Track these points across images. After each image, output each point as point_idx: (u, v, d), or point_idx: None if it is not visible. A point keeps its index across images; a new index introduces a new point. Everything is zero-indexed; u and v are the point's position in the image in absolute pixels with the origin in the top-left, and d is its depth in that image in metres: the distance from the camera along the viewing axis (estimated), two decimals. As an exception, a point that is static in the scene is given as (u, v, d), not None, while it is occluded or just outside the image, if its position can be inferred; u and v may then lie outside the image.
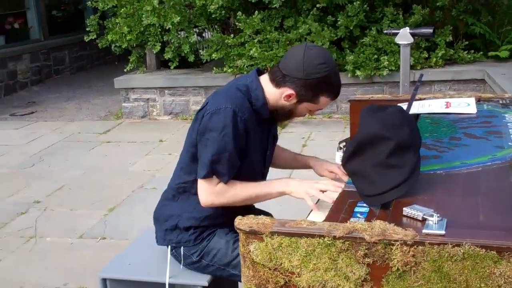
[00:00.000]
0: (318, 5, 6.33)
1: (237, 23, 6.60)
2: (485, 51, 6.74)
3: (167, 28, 6.55)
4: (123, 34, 6.72)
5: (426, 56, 6.39)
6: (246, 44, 6.52)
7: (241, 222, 1.43)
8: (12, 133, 6.54)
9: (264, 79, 2.05)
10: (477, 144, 1.97)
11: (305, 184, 1.95)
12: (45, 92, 8.78)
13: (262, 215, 1.47)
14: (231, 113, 1.92)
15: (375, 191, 1.55)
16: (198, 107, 6.69)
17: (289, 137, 5.85)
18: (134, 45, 6.92)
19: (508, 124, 2.19)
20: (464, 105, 2.48)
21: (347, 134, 5.71)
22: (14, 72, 8.65)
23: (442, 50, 6.37)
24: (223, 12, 6.70)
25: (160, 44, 6.75)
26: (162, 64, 7.32)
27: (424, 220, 1.38)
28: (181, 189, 2.18)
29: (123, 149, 5.77)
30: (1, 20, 9.11)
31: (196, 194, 2.08)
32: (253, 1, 6.42)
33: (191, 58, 6.70)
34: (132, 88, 6.83)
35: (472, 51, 6.61)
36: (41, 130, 6.59)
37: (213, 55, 6.54)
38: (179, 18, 6.45)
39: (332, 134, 5.87)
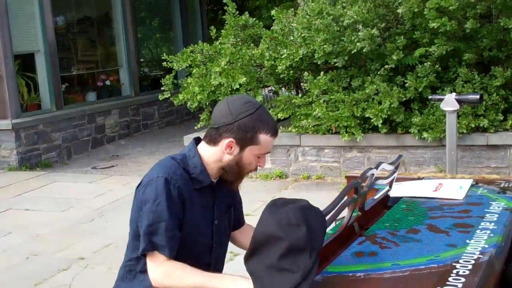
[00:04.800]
0: (386, 66, 6.17)
1: (302, 84, 6.59)
2: None
3: (235, 88, 6.66)
4: (194, 94, 6.90)
5: (502, 118, 6.00)
6: (313, 104, 6.47)
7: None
8: (86, 187, 6.84)
9: (202, 146, 2.05)
10: (431, 239, 1.79)
11: None
12: (130, 146, 9.16)
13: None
14: (162, 181, 1.91)
15: (266, 296, 1.44)
16: (265, 165, 6.70)
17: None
18: (207, 103, 7.08)
19: (487, 215, 1.98)
20: (455, 188, 2.29)
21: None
22: (102, 126, 9.12)
23: (522, 111, 5.97)
24: (291, 72, 6.71)
25: (229, 103, 6.85)
26: (234, 122, 7.40)
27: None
28: (127, 267, 2.14)
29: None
30: (93, 77, 9.72)
31: (141, 272, 2.05)
32: (318, 62, 6.38)
33: (258, 117, 6.74)
34: (201, 146, 6.94)
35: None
36: (113, 185, 6.85)
37: (279, 114, 6.54)
38: (245, 78, 6.54)
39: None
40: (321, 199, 5.69)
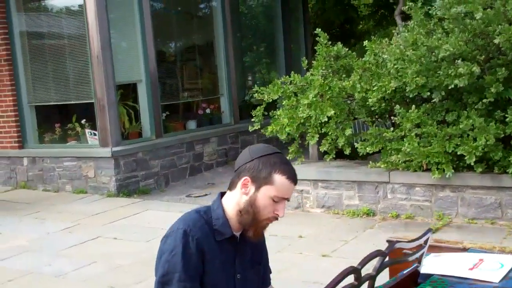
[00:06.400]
0: (484, 100, 5.77)
1: (393, 118, 6.33)
2: None
3: (323, 120, 6.52)
4: (283, 126, 6.85)
5: None
6: (405, 139, 6.19)
7: None
8: (175, 216, 6.84)
9: (225, 196, 2.11)
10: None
11: None
12: (227, 174, 9.23)
13: None
14: (181, 233, 1.98)
15: None
16: (351, 202, 6.52)
17: (434, 245, 5.34)
18: (297, 135, 6.99)
19: None
20: (495, 266, 2.04)
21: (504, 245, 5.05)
22: (200, 154, 9.28)
23: None
24: (383, 104, 6.48)
25: (318, 135, 6.73)
26: (325, 154, 7.25)
27: None
28: None
29: (261, 242, 5.77)
30: (194, 105, 9.96)
31: None
32: (411, 95, 6.10)
33: (347, 151, 6.56)
34: (288, 179, 6.86)
35: None
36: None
37: (367, 148, 6.31)
38: (333, 111, 6.40)
39: (486, 246, 5.20)
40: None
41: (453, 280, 2.00)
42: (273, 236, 5.81)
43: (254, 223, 2.03)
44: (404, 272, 2.06)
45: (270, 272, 2.36)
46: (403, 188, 6.22)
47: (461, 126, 5.79)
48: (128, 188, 8.07)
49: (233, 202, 2.06)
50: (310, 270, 4.98)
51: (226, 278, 2.07)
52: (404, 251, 1.95)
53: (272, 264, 5.16)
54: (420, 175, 6.09)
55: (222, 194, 2.14)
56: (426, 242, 2.00)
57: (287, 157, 7.03)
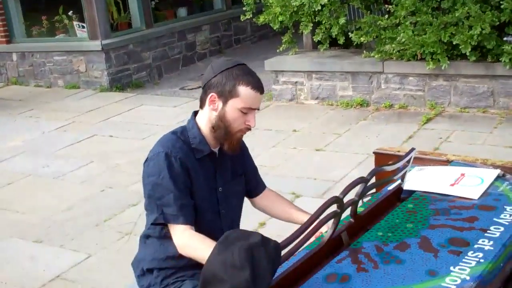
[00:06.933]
0: (480, -16, 5.61)
1: (387, 6, 6.16)
2: None
3: (316, 9, 6.36)
4: (275, 15, 6.69)
5: None
6: (399, 27, 6.07)
7: None
8: (170, 112, 6.94)
9: (198, 115, 2.16)
10: (414, 261, 1.64)
11: None
12: (221, 62, 9.14)
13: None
14: (163, 156, 2.04)
15: None
16: (345, 93, 6.51)
17: (425, 135, 5.41)
18: (290, 24, 6.85)
19: (491, 227, 1.76)
20: (475, 182, 2.07)
21: (493, 137, 5.11)
22: (193, 43, 9.12)
23: None
24: (378, -10, 6.30)
25: (312, 25, 6.59)
26: (319, 44, 7.14)
27: None
28: (147, 234, 2.24)
29: (255, 138, 5.78)
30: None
31: (159, 237, 2.16)
32: (407, -21, 5.90)
33: (341, 40, 6.46)
34: (282, 71, 6.83)
35: None
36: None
37: (362, 38, 6.20)
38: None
39: (476, 136, 5.28)
40: (398, 132, 5.47)
41: (434, 197, 2.04)
42: (267, 131, 5.90)
43: (228, 136, 2.09)
44: (388, 188, 2.10)
45: None
46: (397, 78, 6.18)
47: (456, 14, 5.66)
48: (121, 82, 8.01)
49: (205, 120, 2.11)
50: (304, 165, 5.05)
51: (209, 192, 2.16)
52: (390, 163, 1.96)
53: (266, 159, 5.27)
54: (414, 64, 6.04)
55: (196, 113, 2.18)
56: (409, 161, 2.01)
57: (281, 48, 6.96)
